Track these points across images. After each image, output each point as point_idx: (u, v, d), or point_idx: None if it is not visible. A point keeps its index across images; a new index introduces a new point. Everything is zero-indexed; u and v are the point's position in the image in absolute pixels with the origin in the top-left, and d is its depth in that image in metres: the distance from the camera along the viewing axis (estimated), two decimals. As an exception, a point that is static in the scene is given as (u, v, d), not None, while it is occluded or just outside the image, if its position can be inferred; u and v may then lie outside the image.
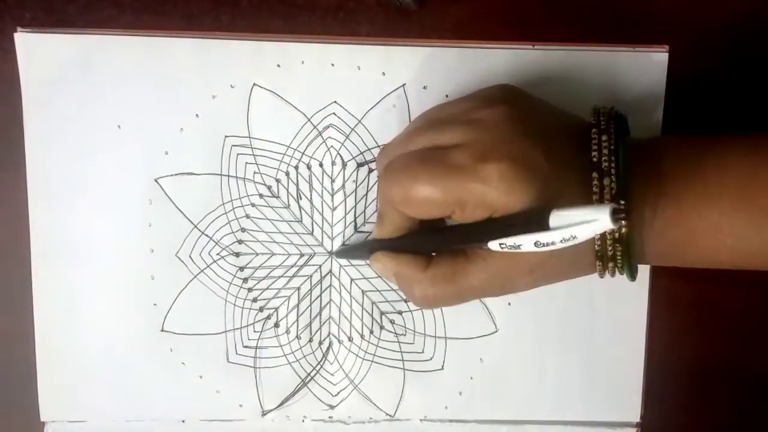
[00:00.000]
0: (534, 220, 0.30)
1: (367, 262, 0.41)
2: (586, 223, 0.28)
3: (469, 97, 0.37)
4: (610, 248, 0.34)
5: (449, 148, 0.34)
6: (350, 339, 0.43)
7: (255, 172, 0.41)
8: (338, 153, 0.42)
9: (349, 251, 0.42)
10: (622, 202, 0.32)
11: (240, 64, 0.40)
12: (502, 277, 0.35)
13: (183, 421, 0.43)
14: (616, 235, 0.33)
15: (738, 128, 0.42)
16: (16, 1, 0.40)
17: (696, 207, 0.34)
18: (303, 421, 0.43)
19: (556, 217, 0.29)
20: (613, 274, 0.35)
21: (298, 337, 0.43)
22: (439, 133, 0.34)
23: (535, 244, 0.30)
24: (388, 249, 0.38)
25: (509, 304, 0.43)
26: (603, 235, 0.34)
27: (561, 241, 0.29)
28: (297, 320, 0.43)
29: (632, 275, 0.35)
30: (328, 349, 0.43)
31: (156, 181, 0.41)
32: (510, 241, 0.31)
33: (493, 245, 0.32)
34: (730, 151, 0.35)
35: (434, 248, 0.38)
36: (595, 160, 0.34)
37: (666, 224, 0.34)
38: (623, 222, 0.33)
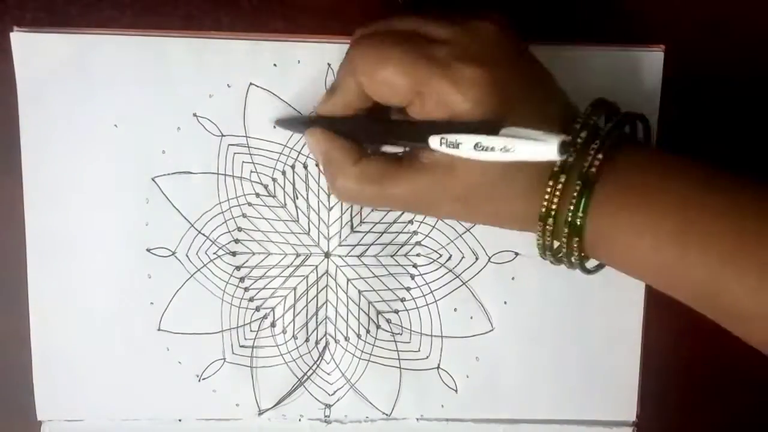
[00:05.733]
0: (483, 132, 0.29)
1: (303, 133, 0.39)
2: (532, 141, 0.28)
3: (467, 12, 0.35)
4: (552, 204, 0.33)
5: (433, 40, 0.33)
6: (347, 338, 0.43)
7: (252, 171, 0.42)
8: (335, 152, 0.42)
9: (290, 122, 0.40)
10: (570, 138, 0.30)
11: (236, 64, 0.40)
12: (428, 194, 0.34)
13: (180, 420, 0.43)
14: (559, 186, 0.32)
15: (735, 126, 0.42)
16: (16, 1, 0.41)
17: (636, 212, 0.32)
18: (300, 420, 0.43)
19: (505, 131, 0.29)
20: (547, 240, 0.34)
21: (294, 336, 0.43)
22: (430, 23, 0.33)
23: (476, 146, 0.29)
24: (327, 127, 0.36)
25: (505, 303, 0.43)
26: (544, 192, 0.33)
27: (501, 150, 0.28)
28: (293, 320, 0.43)
29: (571, 249, 0.34)
30: (324, 348, 0.43)
31: (153, 180, 0.41)
32: (452, 137, 0.30)
33: (434, 141, 0.31)
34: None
35: (375, 140, 0.36)
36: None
37: (607, 204, 0.33)
38: (569, 155, 0.31)
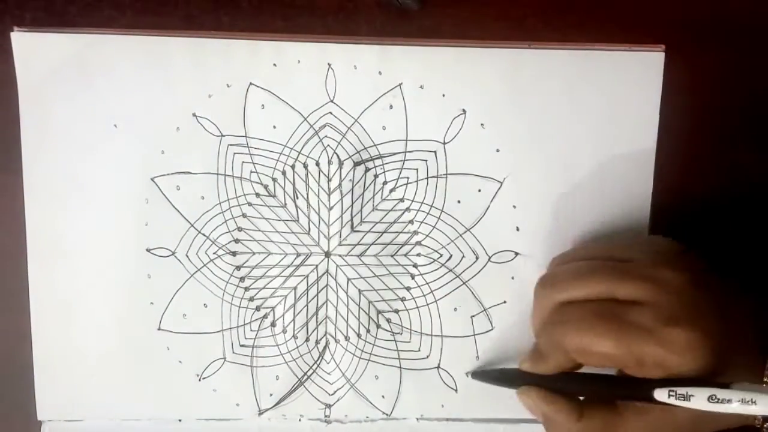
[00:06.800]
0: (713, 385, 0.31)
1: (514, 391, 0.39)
2: None
3: (644, 246, 0.37)
4: None
5: (629, 304, 0.33)
6: (347, 338, 0.43)
7: (251, 171, 0.42)
8: (335, 152, 0.42)
9: (486, 375, 0.41)
10: None
11: (236, 64, 0.41)
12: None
13: (180, 420, 0.43)
14: None
15: (734, 126, 0.42)
16: (16, 1, 0.41)
17: None
18: (300, 420, 0.43)
19: (737, 386, 0.31)
20: None
21: (294, 336, 0.43)
22: (619, 284, 0.34)
23: (710, 398, 0.31)
24: (539, 385, 0.37)
25: (505, 302, 0.43)
26: None
27: (740, 402, 0.30)
28: (293, 319, 0.43)
29: None
30: (324, 348, 0.43)
31: (152, 180, 0.41)
32: (682, 390, 0.32)
33: (661, 395, 0.32)
34: None
35: (589, 394, 0.37)
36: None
37: None
38: None
